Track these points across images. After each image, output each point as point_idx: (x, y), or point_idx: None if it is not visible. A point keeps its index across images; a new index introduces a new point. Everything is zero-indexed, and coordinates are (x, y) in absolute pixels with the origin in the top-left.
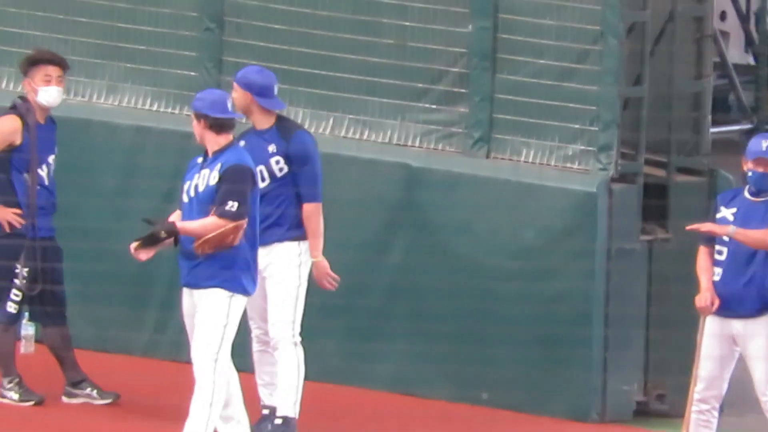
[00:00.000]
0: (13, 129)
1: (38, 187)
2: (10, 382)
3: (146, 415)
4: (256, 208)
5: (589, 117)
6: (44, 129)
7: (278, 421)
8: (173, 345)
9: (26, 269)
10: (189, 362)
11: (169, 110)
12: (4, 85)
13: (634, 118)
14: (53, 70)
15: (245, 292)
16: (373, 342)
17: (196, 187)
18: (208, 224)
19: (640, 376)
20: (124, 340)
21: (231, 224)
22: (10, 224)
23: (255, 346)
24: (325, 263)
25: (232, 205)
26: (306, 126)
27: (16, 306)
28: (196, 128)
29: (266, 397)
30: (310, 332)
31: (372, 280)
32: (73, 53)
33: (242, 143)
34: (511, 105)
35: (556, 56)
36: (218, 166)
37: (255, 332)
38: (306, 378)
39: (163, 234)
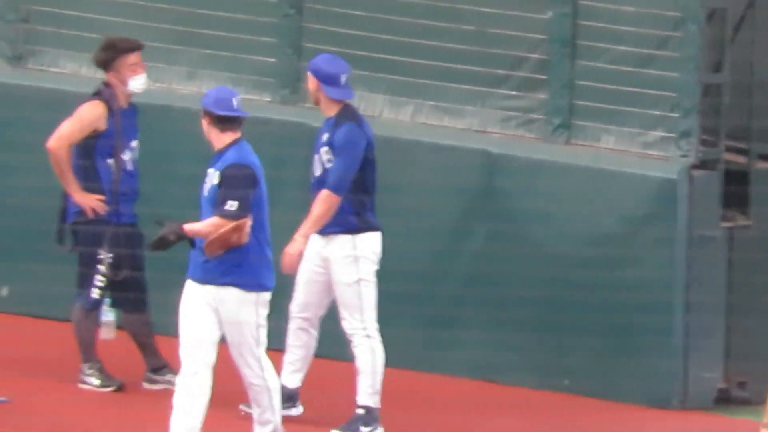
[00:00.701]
0: (97, 115)
1: (121, 173)
2: (90, 368)
3: (226, 401)
4: (263, 205)
5: (669, 103)
6: (127, 114)
7: (360, 411)
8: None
9: (110, 255)
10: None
11: (248, 96)
12: (84, 71)
13: (714, 105)
14: (136, 57)
15: (265, 288)
16: (452, 329)
17: (206, 187)
18: (210, 225)
19: (721, 363)
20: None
21: (232, 224)
22: (93, 210)
23: (291, 324)
24: (301, 248)
25: (231, 205)
26: (385, 113)
27: (100, 292)
28: (204, 125)
29: (285, 376)
30: (390, 319)
31: (451, 268)
32: (152, 39)
33: (325, 134)
34: (591, 91)
35: (635, 43)
36: (220, 164)
37: (292, 309)
38: (386, 365)
39: (172, 237)
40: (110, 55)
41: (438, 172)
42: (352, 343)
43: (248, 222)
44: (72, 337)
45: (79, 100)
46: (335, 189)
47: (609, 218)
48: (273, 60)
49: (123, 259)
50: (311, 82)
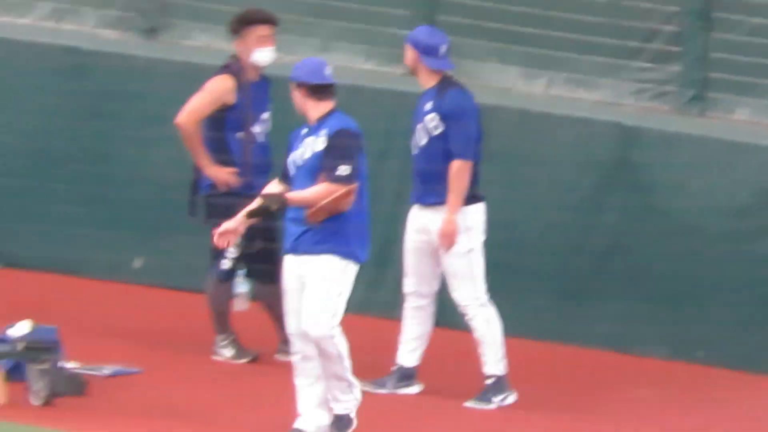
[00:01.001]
0: (226, 89)
1: (253, 146)
2: (224, 340)
3: (362, 372)
4: (364, 174)
5: None
6: (257, 87)
7: (489, 381)
8: (387, 303)
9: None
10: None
11: (382, 69)
12: (216, 44)
13: None
14: (266, 30)
15: (357, 260)
16: (588, 301)
17: (302, 155)
18: (321, 191)
19: None
20: (366, 300)
21: (344, 188)
22: (225, 183)
23: (406, 302)
24: (456, 225)
25: (344, 170)
26: (519, 85)
27: (231, 264)
28: (296, 97)
29: (403, 354)
30: (524, 292)
31: (585, 240)
32: (286, 11)
33: (429, 102)
34: (725, 64)
35: None
36: (324, 131)
37: (407, 289)
38: (522, 336)
39: (273, 206)
40: (241, 24)
41: (571, 144)
42: (466, 315)
43: (356, 188)
44: (206, 308)
45: (211, 73)
46: (464, 155)
47: (744, 191)
48: (406, 32)
49: (256, 231)
50: (410, 54)
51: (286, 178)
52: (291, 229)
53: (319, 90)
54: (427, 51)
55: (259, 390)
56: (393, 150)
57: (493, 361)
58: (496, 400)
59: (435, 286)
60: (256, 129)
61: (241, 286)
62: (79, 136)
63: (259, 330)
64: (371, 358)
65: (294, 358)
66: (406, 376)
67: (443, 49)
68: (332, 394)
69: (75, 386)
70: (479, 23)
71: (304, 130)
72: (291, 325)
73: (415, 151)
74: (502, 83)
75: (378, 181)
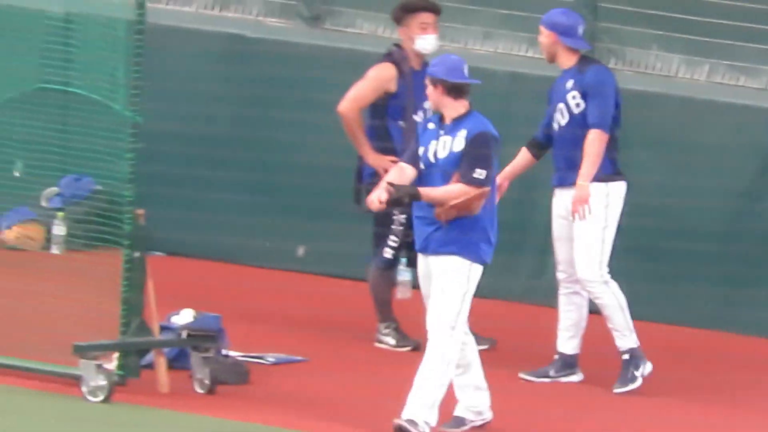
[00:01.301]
0: (387, 77)
1: (414, 134)
2: (386, 328)
3: (521, 361)
4: (495, 178)
5: None
6: (420, 75)
7: (626, 357)
8: (549, 290)
9: (403, 216)
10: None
11: (541, 57)
12: (380, 31)
13: None
14: (428, 17)
15: (483, 262)
16: (747, 288)
17: (435, 153)
18: (454, 191)
19: None
20: (501, 286)
21: (477, 191)
22: (386, 172)
23: (561, 290)
24: (588, 192)
25: (480, 173)
26: (681, 72)
27: (393, 252)
28: (432, 94)
29: (562, 342)
30: (684, 279)
31: (747, 227)
32: (448, 0)
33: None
34: None
35: None
36: (462, 132)
37: (560, 276)
38: (679, 323)
39: (406, 199)
40: (403, 11)
41: (733, 131)
42: (592, 294)
43: (489, 192)
44: (368, 296)
45: (375, 60)
46: (601, 125)
47: None
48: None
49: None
50: (547, 36)
51: (414, 164)
52: (421, 228)
53: (457, 89)
54: (565, 31)
55: None
56: None
57: (626, 335)
58: (639, 374)
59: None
60: (418, 117)
61: (403, 274)
62: (242, 123)
63: (422, 318)
64: (534, 347)
65: None
66: (568, 364)
67: (581, 29)
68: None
69: (238, 374)
70: (641, 11)
71: (431, 125)
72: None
73: (556, 130)
74: (664, 71)
75: (538, 168)
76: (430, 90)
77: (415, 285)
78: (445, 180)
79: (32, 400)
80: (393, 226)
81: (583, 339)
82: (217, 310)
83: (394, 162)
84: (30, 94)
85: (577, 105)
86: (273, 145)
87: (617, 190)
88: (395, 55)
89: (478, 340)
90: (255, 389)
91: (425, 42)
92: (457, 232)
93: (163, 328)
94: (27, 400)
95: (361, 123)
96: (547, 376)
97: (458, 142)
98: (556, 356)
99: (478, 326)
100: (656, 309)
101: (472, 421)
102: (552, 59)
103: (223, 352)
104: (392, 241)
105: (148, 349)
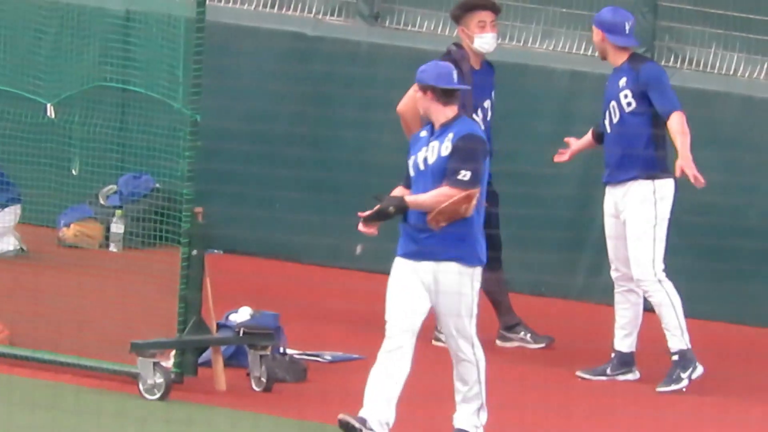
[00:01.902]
0: None
1: None
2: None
3: (579, 359)
4: (485, 180)
5: None
6: (479, 74)
7: (675, 358)
8: (608, 288)
9: None
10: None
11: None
12: (440, 29)
13: None
14: (487, 16)
15: (482, 263)
16: None
17: (425, 160)
18: (440, 195)
19: None
20: (559, 284)
21: (463, 193)
22: None
23: (616, 288)
24: (690, 163)
25: (464, 174)
26: (741, 71)
27: None
28: (421, 101)
29: (618, 341)
30: (747, 278)
31: None
32: None
33: (622, 79)
34: None
35: None
36: (449, 136)
37: (613, 274)
38: (743, 323)
39: (392, 209)
40: (462, 10)
41: None
42: (646, 293)
43: (478, 193)
44: None
45: (435, 58)
46: (675, 107)
47: None
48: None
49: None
50: (596, 35)
51: (408, 180)
52: (411, 234)
53: (446, 94)
54: (612, 29)
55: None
56: None
57: (678, 336)
58: (685, 376)
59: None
60: (477, 116)
61: None
62: (302, 120)
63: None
64: (592, 345)
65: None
66: (624, 362)
67: (628, 26)
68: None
69: (295, 372)
70: (700, 9)
71: (423, 133)
72: (398, 318)
73: (608, 129)
74: (723, 69)
75: (598, 166)
76: (419, 96)
77: None
78: (432, 187)
79: (90, 398)
80: None
81: (643, 337)
82: (274, 308)
83: None
84: (89, 92)
85: (629, 104)
86: (332, 143)
87: (665, 187)
88: (454, 55)
89: (536, 338)
90: (312, 387)
91: (483, 41)
92: (455, 237)
93: (221, 326)
94: (85, 398)
95: (418, 122)
96: (604, 374)
97: (446, 146)
98: (613, 354)
99: (536, 324)
100: (717, 307)
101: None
102: (604, 57)
103: (281, 349)
104: None
105: (205, 346)
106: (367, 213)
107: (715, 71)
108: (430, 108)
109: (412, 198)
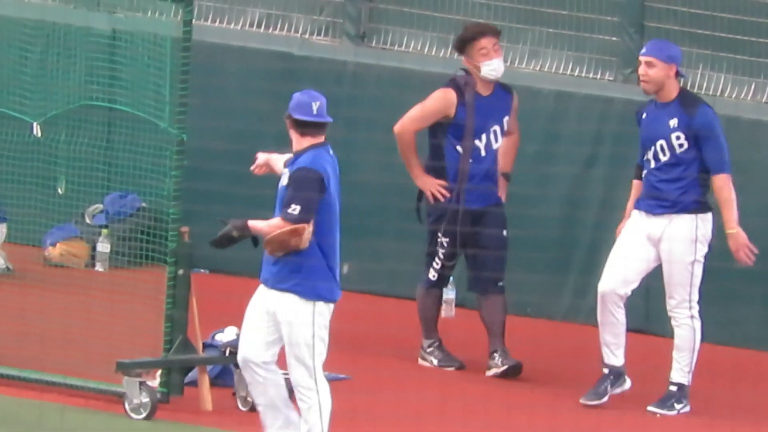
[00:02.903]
0: (447, 103)
1: (471, 158)
2: (430, 346)
3: (571, 379)
4: (332, 212)
5: None
6: (489, 99)
7: (673, 388)
8: (593, 310)
9: (446, 239)
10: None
11: (591, 75)
12: (426, 49)
13: None
14: (488, 42)
15: (324, 299)
16: None
17: (280, 185)
18: (273, 224)
19: None
20: (546, 305)
21: (290, 227)
22: (433, 195)
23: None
24: (743, 235)
25: (294, 209)
26: (727, 92)
27: (436, 272)
28: (288, 127)
29: (608, 355)
30: (737, 298)
31: None
32: (495, 18)
33: (644, 115)
34: None
35: None
36: (291, 168)
37: (602, 288)
38: (728, 344)
39: (235, 233)
40: (462, 42)
41: None
42: (673, 320)
43: (308, 228)
44: (412, 314)
45: (422, 79)
46: (724, 168)
47: None
48: (615, 39)
49: (466, 240)
50: (666, 70)
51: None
52: (266, 260)
53: (302, 125)
54: (680, 63)
55: (465, 397)
56: (600, 156)
57: (684, 370)
58: (678, 407)
59: (634, 289)
60: (480, 142)
61: (448, 292)
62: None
63: (468, 337)
64: (575, 365)
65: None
66: (618, 375)
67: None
68: None
69: None
70: (687, 29)
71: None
72: (248, 345)
73: (653, 165)
74: (710, 90)
75: (584, 187)
76: (286, 122)
77: (458, 303)
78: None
79: (75, 418)
80: (438, 248)
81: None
82: None
83: (442, 186)
84: (75, 111)
85: (681, 146)
86: None
87: (706, 222)
88: (458, 81)
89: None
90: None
91: (490, 68)
92: (291, 269)
93: (207, 346)
94: (70, 418)
95: (414, 145)
96: (607, 393)
97: (286, 177)
98: (606, 370)
99: (521, 345)
100: (705, 328)
101: None
102: (656, 91)
103: None
104: (436, 262)
105: (191, 366)
106: (213, 239)
107: (702, 91)
108: (290, 135)
109: (253, 223)
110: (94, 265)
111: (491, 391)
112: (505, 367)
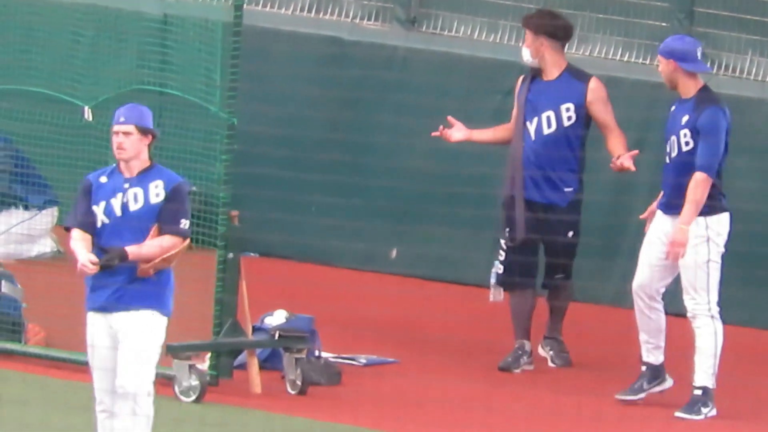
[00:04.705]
0: (517, 86)
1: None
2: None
3: (610, 365)
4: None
5: None
6: (545, 85)
7: (697, 392)
8: (615, 294)
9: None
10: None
11: (640, 61)
12: (476, 34)
13: None
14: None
15: (169, 314)
16: None
17: (125, 206)
18: (166, 244)
19: None
20: (594, 290)
21: (186, 242)
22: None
23: (636, 304)
24: (685, 237)
25: (185, 223)
26: None
27: (501, 266)
28: (143, 142)
29: (646, 354)
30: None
31: None
32: (545, 3)
33: (672, 109)
34: None
35: None
36: (157, 183)
37: (635, 288)
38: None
39: (116, 261)
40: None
41: None
42: (694, 323)
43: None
44: (457, 298)
45: (471, 64)
46: (708, 170)
47: None
48: (665, 24)
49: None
50: (667, 65)
51: (87, 227)
52: (102, 286)
53: (151, 138)
54: (683, 57)
55: (512, 383)
56: (649, 142)
57: (708, 372)
58: (705, 411)
59: (661, 290)
60: (530, 124)
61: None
62: (336, 125)
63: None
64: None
65: (100, 416)
66: (656, 374)
67: (699, 52)
68: None
69: (330, 375)
70: (736, 15)
71: (103, 178)
72: (102, 381)
73: (666, 161)
74: (759, 76)
75: (632, 172)
76: (141, 139)
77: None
78: (136, 233)
79: None
80: (502, 241)
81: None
82: (309, 311)
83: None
84: (126, 95)
85: (687, 143)
86: (367, 147)
87: (719, 223)
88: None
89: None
90: (346, 390)
91: (523, 53)
92: (152, 286)
93: (256, 329)
94: None
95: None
96: (642, 391)
97: (155, 193)
98: (644, 368)
99: (569, 330)
100: (751, 314)
101: None
102: (674, 87)
103: (315, 353)
104: (499, 257)
105: (240, 349)
106: (94, 268)
107: (751, 77)
108: (141, 152)
109: (135, 249)
110: None
111: (537, 375)
112: (554, 365)
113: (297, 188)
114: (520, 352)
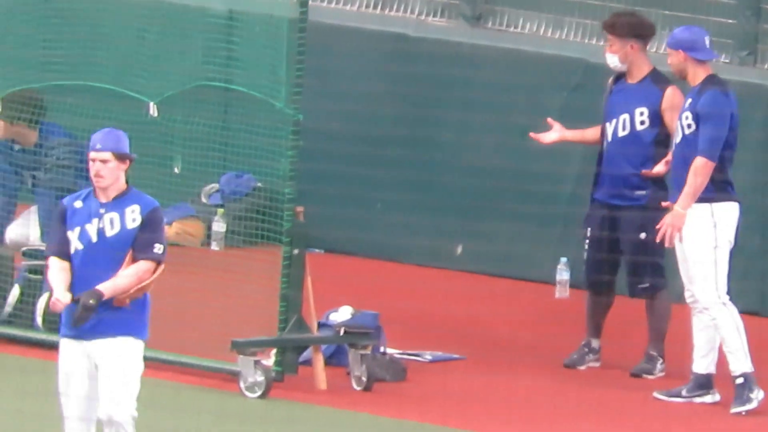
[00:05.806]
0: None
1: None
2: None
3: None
4: None
5: None
6: (627, 87)
7: (739, 381)
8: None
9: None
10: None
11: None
12: (542, 31)
13: None
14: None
15: (146, 338)
16: None
17: (101, 231)
18: (144, 270)
19: None
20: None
21: (160, 268)
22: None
23: (692, 310)
24: (683, 219)
25: (159, 248)
26: None
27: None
28: (120, 168)
29: (695, 362)
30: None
31: None
32: (611, 0)
33: (689, 100)
34: None
35: None
36: (134, 208)
37: (686, 294)
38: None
39: (92, 302)
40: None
41: None
42: (707, 313)
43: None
44: (522, 295)
45: (537, 61)
46: (709, 154)
47: None
48: (732, 21)
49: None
50: (676, 56)
51: (63, 254)
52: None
53: (127, 161)
54: (692, 46)
55: (578, 378)
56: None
57: (742, 359)
58: (753, 396)
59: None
60: (609, 125)
61: (563, 274)
62: (403, 121)
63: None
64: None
65: None
66: (701, 384)
67: (707, 41)
68: None
69: (395, 372)
70: None
71: (78, 203)
72: (76, 409)
73: (672, 148)
74: None
75: None
76: (118, 165)
77: (572, 284)
78: (111, 260)
79: (190, 396)
80: (585, 241)
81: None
82: (374, 307)
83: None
84: (192, 91)
85: (689, 126)
86: (433, 144)
87: (725, 210)
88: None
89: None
90: (412, 386)
91: (608, 59)
92: (131, 312)
93: (321, 325)
94: (185, 396)
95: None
96: (680, 396)
97: (131, 218)
98: (692, 376)
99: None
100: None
101: None
102: (683, 77)
103: (381, 349)
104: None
105: (305, 345)
106: (76, 319)
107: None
108: (120, 178)
109: (110, 285)
110: (209, 244)
111: (604, 373)
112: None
113: (362, 184)
114: (586, 350)
